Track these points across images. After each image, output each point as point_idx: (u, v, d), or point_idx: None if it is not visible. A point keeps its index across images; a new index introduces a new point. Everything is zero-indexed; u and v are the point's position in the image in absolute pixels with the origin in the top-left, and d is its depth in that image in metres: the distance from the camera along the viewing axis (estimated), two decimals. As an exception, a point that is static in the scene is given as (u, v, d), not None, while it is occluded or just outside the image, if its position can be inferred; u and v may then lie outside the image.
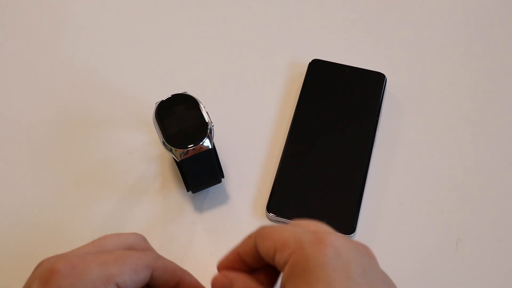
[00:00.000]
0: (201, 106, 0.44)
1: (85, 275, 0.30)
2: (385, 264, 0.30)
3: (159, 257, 0.34)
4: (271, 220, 0.46)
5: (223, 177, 0.47)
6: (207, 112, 0.44)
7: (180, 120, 0.44)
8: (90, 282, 0.30)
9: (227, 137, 0.50)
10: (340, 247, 0.28)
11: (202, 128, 0.43)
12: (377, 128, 0.49)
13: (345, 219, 0.45)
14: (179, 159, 0.43)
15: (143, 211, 0.47)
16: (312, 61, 0.53)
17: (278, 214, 0.45)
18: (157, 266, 0.33)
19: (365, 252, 0.29)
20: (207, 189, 0.47)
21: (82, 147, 0.50)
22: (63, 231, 0.42)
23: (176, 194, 0.48)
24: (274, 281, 0.32)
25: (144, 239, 0.36)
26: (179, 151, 0.42)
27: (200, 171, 0.44)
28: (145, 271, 0.32)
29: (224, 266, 0.33)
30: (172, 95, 0.45)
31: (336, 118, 0.50)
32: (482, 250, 0.45)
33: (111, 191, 0.48)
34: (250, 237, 0.32)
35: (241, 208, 0.47)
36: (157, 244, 0.45)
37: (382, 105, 0.51)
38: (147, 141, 0.50)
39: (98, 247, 0.32)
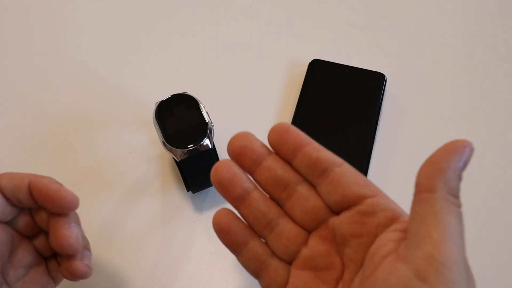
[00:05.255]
0: (201, 106, 0.44)
1: None
2: (385, 264, 0.30)
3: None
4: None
5: (223, 177, 0.47)
6: (207, 112, 0.44)
7: (180, 120, 0.44)
8: None
9: (227, 137, 0.50)
10: None
11: (202, 128, 0.43)
12: (377, 128, 0.49)
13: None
14: (179, 159, 0.43)
15: (143, 211, 0.47)
16: (312, 61, 0.53)
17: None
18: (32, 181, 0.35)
19: None
20: (207, 189, 0.47)
21: (82, 147, 0.50)
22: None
23: (176, 194, 0.48)
24: None
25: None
26: (179, 151, 0.42)
27: (200, 171, 0.44)
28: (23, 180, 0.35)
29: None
30: (172, 95, 0.45)
31: (336, 118, 0.50)
32: (482, 250, 0.45)
33: (111, 191, 0.48)
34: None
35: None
36: (157, 244, 0.46)
37: (382, 105, 0.51)
38: (147, 141, 0.50)
39: None
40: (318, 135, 0.49)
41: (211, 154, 0.43)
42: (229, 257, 0.45)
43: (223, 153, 0.48)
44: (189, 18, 0.58)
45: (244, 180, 0.32)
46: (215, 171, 0.32)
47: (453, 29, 0.56)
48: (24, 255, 0.37)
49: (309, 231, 0.33)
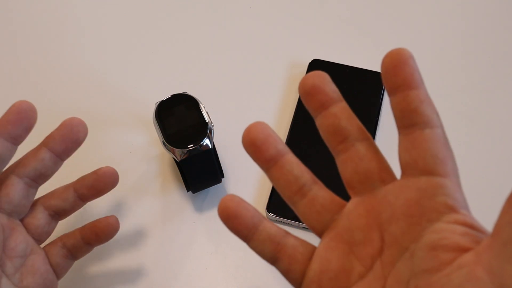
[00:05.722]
0: (201, 106, 0.44)
1: None
2: (385, 264, 0.30)
3: None
4: (271, 220, 0.46)
5: (223, 177, 0.47)
6: (207, 112, 0.44)
7: (180, 120, 0.44)
8: None
9: (227, 137, 0.50)
10: None
11: (202, 128, 0.43)
12: (377, 128, 0.49)
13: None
14: (179, 159, 0.43)
15: (143, 211, 0.47)
16: (312, 61, 0.53)
17: (278, 214, 0.45)
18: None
19: None
20: (207, 189, 0.47)
21: (82, 147, 0.50)
22: (63, 231, 0.42)
23: (176, 194, 0.48)
24: None
25: None
26: (179, 151, 0.42)
27: (200, 171, 0.44)
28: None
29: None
30: (172, 95, 0.45)
31: (336, 118, 0.49)
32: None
33: (111, 191, 0.48)
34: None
35: (241, 208, 0.47)
36: (157, 244, 0.46)
37: (382, 105, 0.51)
38: (147, 141, 0.50)
39: None
40: (318, 135, 0.49)
41: (211, 154, 0.43)
42: (229, 257, 0.45)
43: (223, 153, 0.48)
44: (189, 18, 0.58)
45: (279, 142, 0.31)
46: (248, 131, 0.30)
47: (453, 29, 0.56)
48: (17, 243, 0.36)
49: (354, 193, 0.30)
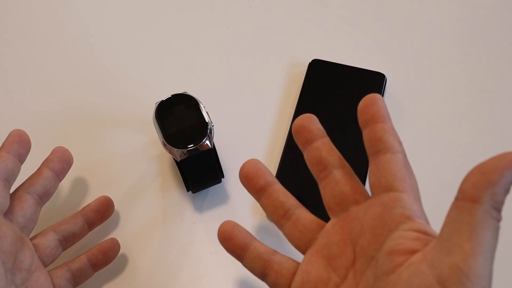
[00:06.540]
0: (201, 106, 0.44)
1: None
2: (385, 264, 0.30)
3: None
4: (271, 220, 0.46)
5: (223, 177, 0.47)
6: (207, 112, 0.44)
7: (180, 120, 0.44)
8: None
9: (227, 137, 0.50)
10: None
11: (202, 128, 0.43)
12: (377, 128, 0.49)
13: (345, 219, 0.45)
14: (179, 159, 0.43)
15: (143, 211, 0.47)
16: (312, 61, 0.53)
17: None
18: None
19: None
20: (207, 189, 0.47)
21: (81, 147, 0.50)
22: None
23: (176, 194, 0.48)
24: None
25: None
26: (179, 151, 0.42)
27: (200, 171, 0.44)
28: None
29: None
30: (172, 95, 0.45)
31: (336, 118, 0.49)
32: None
33: (111, 191, 0.48)
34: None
35: (241, 208, 0.47)
36: (157, 244, 0.46)
37: (382, 105, 0.51)
38: (147, 141, 0.50)
39: None
40: (318, 135, 0.49)
41: (211, 154, 0.43)
42: (229, 257, 0.45)
43: (223, 153, 0.48)
44: (189, 18, 0.58)
45: (268, 174, 0.37)
46: (243, 167, 0.37)
47: (453, 29, 0.56)
48: (26, 257, 0.38)
49: (332, 214, 0.35)
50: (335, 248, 0.33)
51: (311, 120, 0.36)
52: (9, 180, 0.38)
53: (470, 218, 0.26)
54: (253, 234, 0.44)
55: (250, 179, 0.37)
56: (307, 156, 0.36)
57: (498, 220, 0.27)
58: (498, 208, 0.27)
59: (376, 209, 0.31)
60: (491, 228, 0.26)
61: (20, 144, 0.39)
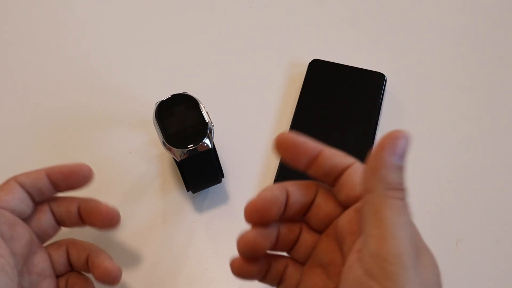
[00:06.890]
0: (201, 106, 0.44)
1: None
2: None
3: None
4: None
5: (223, 177, 0.47)
6: (207, 112, 0.44)
7: (180, 120, 0.44)
8: None
9: (227, 137, 0.50)
10: None
11: (202, 128, 0.43)
12: (377, 128, 0.49)
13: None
14: (179, 159, 0.43)
15: (143, 211, 0.47)
16: (312, 61, 0.53)
17: (278, 214, 0.45)
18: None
19: None
20: (207, 189, 0.47)
21: (82, 147, 0.50)
22: (63, 230, 0.42)
23: (176, 194, 0.48)
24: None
25: None
26: (179, 151, 0.42)
27: (200, 171, 0.44)
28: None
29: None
30: (172, 95, 0.45)
31: (336, 118, 0.49)
32: (482, 250, 0.45)
33: (111, 191, 0.48)
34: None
35: (241, 208, 0.47)
36: (157, 244, 0.46)
37: (382, 105, 0.51)
38: (147, 141, 0.50)
39: None
40: (318, 136, 0.49)
41: (211, 154, 0.43)
42: (229, 257, 0.45)
43: (223, 153, 0.48)
44: (189, 18, 0.58)
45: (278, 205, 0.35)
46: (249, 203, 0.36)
47: (453, 29, 0.56)
48: (39, 261, 0.38)
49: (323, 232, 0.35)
50: (325, 257, 0.34)
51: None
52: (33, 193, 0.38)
53: (371, 207, 0.28)
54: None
55: (258, 221, 0.36)
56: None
57: (400, 197, 0.28)
58: (394, 187, 0.28)
59: (352, 215, 0.32)
60: (393, 207, 0.28)
61: (65, 176, 0.38)
